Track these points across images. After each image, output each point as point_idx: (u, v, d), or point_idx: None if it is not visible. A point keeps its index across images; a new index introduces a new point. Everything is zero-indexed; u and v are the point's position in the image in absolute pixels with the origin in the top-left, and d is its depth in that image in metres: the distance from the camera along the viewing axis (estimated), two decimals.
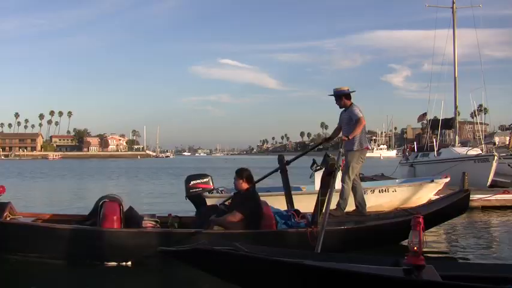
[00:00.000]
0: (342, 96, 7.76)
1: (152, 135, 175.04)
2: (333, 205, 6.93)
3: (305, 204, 11.27)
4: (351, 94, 7.87)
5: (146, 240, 6.12)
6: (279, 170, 7.87)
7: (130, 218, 6.49)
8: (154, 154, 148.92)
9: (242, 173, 6.62)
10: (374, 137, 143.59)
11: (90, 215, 6.69)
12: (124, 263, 6.15)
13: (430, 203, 7.73)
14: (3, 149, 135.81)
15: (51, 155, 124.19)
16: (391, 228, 6.86)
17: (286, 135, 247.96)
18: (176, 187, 19.29)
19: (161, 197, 18.04)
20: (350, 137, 7.43)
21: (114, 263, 6.14)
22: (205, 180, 12.15)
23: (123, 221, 6.33)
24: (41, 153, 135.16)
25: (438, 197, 7.94)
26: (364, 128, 7.73)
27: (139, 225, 6.39)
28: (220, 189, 12.09)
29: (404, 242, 7.48)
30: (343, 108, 7.91)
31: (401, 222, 6.79)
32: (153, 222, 6.60)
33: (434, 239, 8.67)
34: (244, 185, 6.56)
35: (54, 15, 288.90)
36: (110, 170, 49.55)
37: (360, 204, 7.87)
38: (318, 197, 6.19)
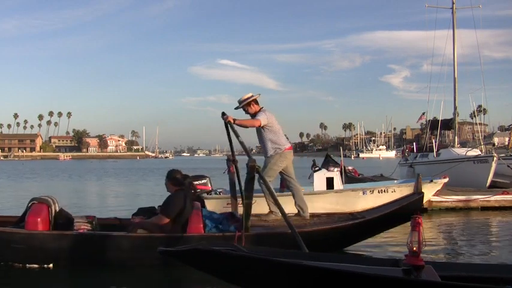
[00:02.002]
0: (250, 103, 7.33)
1: (151, 136, 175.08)
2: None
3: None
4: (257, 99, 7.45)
5: (66, 243, 6.06)
6: (227, 171, 7.48)
7: (61, 220, 6.40)
8: (153, 155, 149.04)
9: (169, 175, 6.53)
10: (373, 138, 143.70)
11: (22, 217, 6.55)
12: (45, 266, 6.10)
13: (381, 206, 7.29)
14: (3, 150, 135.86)
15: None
16: (332, 233, 6.35)
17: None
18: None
19: (140, 198, 17.94)
20: (236, 121, 6.77)
21: (35, 265, 6.11)
22: (203, 181, 12.15)
23: (52, 223, 6.29)
24: (40, 154, 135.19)
25: (392, 200, 7.54)
26: (275, 129, 7.32)
27: (69, 227, 6.31)
28: (218, 190, 12.07)
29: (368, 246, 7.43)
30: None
31: (345, 226, 6.51)
32: (87, 225, 6.52)
33: (434, 239, 8.68)
34: (172, 188, 6.47)
35: (54, 16, 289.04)
36: (103, 170, 49.61)
37: (301, 208, 7.38)
38: (242, 200, 6.06)
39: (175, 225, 6.15)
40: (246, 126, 7.10)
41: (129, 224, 6.50)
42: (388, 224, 7.10)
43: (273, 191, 7.07)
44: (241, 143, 6.87)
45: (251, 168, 5.77)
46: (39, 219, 6.13)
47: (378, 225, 6.78)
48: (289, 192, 7.56)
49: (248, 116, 7.36)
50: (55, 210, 6.46)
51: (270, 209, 7.19)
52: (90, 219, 6.72)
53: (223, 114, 6.64)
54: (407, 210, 6.73)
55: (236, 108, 7.35)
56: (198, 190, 11.59)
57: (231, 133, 6.68)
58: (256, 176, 5.89)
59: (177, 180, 6.49)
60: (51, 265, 6.13)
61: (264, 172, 6.95)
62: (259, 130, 7.29)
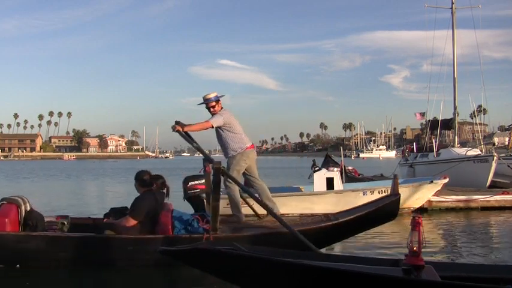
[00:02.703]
0: (214, 102, 7.23)
1: (151, 135, 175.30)
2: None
3: (306, 204, 11.37)
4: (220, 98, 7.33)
5: (33, 244, 6.02)
6: (203, 170, 7.32)
7: (31, 221, 6.35)
8: (153, 155, 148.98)
9: (137, 177, 6.51)
10: (373, 138, 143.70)
11: None
12: (12, 266, 6.06)
13: (358, 207, 7.11)
14: (3, 150, 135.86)
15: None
16: (304, 235, 5.97)
17: (285, 135, 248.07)
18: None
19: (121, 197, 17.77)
20: (185, 129, 6.84)
21: (1, 265, 6.07)
22: (203, 181, 12.13)
23: (21, 223, 6.26)
24: (40, 154, 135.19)
25: (369, 201, 7.19)
26: (235, 129, 7.17)
27: (38, 227, 6.27)
28: None
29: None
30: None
31: (318, 228, 6.38)
32: (57, 225, 6.49)
33: (434, 239, 8.69)
34: (140, 189, 6.44)
35: (54, 16, 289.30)
36: (102, 170, 49.64)
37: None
38: (210, 202, 6.00)
39: (144, 226, 6.12)
40: (197, 130, 7.15)
41: (101, 224, 6.50)
42: (364, 226, 6.91)
43: (238, 194, 7.13)
44: (197, 148, 7.03)
45: (216, 170, 5.76)
46: (7, 220, 6.08)
47: (352, 227, 6.60)
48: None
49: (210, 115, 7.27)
50: (25, 211, 6.40)
51: (232, 212, 7.06)
52: (62, 220, 6.71)
53: (177, 123, 6.70)
54: (384, 212, 6.65)
55: (199, 104, 7.28)
56: (197, 190, 11.61)
57: (189, 139, 6.85)
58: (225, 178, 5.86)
59: (145, 182, 6.46)
60: (17, 266, 6.09)
61: (229, 172, 6.88)
62: (218, 131, 7.21)
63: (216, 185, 5.86)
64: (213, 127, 7.06)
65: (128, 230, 6.07)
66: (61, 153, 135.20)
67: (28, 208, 6.50)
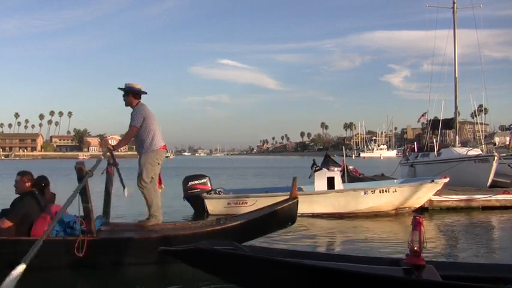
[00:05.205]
0: (129, 94, 6.99)
1: None
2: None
3: (307, 204, 11.35)
4: (141, 95, 7.10)
5: None
6: (105, 172, 7.14)
7: None
8: None
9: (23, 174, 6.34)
10: (374, 137, 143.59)
11: None
12: None
13: (254, 211, 7.01)
14: (3, 149, 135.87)
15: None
16: (189, 239, 5.79)
17: (286, 135, 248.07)
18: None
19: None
20: (115, 147, 6.96)
21: None
22: (203, 180, 12.12)
23: None
24: (41, 153, 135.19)
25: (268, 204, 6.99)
26: (151, 126, 6.93)
27: None
28: (218, 189, 12.04)
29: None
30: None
31: (205, 232, 6.27)
32: None
33: (435, 238, 8.67)
34: (20, 190, 6.27)
35: (54, 16, 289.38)
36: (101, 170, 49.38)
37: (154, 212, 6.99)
38: (82, 204, 5.79)
39: (21, 228, 5.97)
40: (127, 143, 7.12)
41: None
42: (260, 230, 6.71)
43: (155, 193, 6.85)
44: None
45: (78, 171, 5.64)
46: None
47: (245, 231, 6.43)
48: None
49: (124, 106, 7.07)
50: None
51: (149, 213, 6.86)
52: None
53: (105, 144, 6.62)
54: (281, 216, 6.55)
55: (119, 88, 7.05)
56: (197, 190, 11.57)
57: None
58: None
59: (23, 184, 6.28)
60: None
61: (143, 173, 6.78)
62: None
63: (82, 186, 5.60)
64: (138, 128, 6.83)
65: (4, 231, 5.90)
66: (62, 153, 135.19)
67: None
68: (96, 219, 6.51)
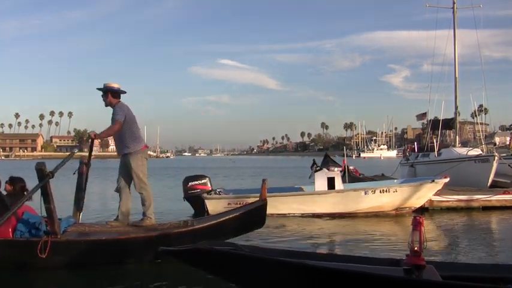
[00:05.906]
0: (108, 93, 6.95)
1: (152, 135, 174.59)
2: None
3: (307, 204, 11.36)
4: (121, 94, 7.10)
5: None
6: (77, 171, 7.28)
7: None
8: (154, 154, 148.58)
9: None
10: (374, 137, 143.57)
11: None
12: None
13: (222, 213, 6.94)
14: (4, 150, 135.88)
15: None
16: (156, 242, 5.75)
17: (286, 135, 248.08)
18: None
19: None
20: (97, 136, 6.96)
21: None
22: (203, 181, 12.10)
23: None
24: (42, 153, 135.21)
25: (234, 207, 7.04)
26: (133, 127, 6.98)
27: None
28: (218, 190, 12.02)
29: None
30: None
31: (172, 234, 6.22)
32: None
33: (435, 239, 8.68)
34: None
35: (54, 16, 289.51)
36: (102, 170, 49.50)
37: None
38: (44, 204, 5.71)
39: None
40: (110, 135, 7.04)
41: None
42: (228, 232, 6.52)
43: (150, 193, 6.85)
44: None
45: (39, 172, 5.56)
46: None
47: (212, 233, 6.29)
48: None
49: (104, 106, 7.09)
50: None
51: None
52: None
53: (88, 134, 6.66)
54: (249, 219, 6.49)
55: (98, 88, 7.04)
56: (197, 190, 11.56)
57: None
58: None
59: None
60: None
61: (139, 176, 6.76)
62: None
63: (43, 186, 5.56)
64: (122, 123, 6.80)
65: None
66: (62, 153, 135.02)
67: None
68: (67, 219, 6.50)
